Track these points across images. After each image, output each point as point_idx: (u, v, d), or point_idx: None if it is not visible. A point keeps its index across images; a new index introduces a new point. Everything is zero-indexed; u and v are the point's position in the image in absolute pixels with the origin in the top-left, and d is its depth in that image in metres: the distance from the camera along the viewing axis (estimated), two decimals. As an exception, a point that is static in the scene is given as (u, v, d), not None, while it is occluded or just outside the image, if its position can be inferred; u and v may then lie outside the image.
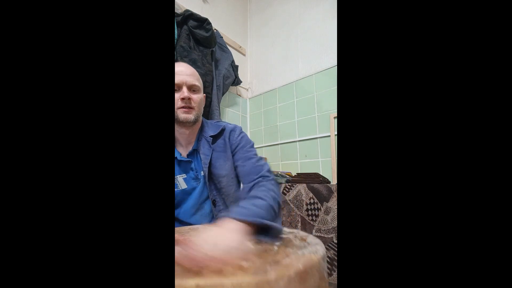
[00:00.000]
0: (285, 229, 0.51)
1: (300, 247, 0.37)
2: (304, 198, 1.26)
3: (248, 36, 2.35)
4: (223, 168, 0.70)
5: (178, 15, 1.49)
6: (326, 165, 1.61)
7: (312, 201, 1.23)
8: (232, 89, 2.04)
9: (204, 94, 0.74)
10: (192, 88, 0.67)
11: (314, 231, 1.18)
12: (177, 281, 0.25)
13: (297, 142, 1.81)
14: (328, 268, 1.11)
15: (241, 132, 0.76)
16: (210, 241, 0.35)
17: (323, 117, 1.69)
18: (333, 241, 1.12)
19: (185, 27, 1.49)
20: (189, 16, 1.50)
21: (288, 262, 0.31)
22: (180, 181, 0.70)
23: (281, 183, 1.39)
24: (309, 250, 0.35)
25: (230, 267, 0.29)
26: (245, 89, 2.21)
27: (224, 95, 1.84)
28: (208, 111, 1.60)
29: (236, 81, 1.90)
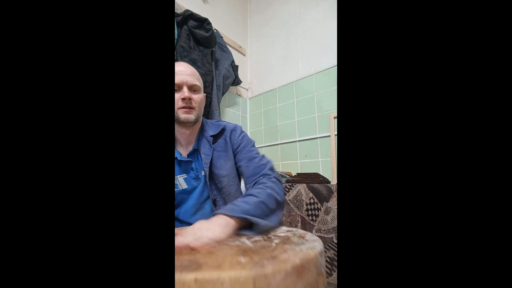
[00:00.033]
0: (284, 228, 0.51)
1: (298, 243, 0.38)
2: (304, 198, 1.26)
3: (248, 36, 2.35)
4: (224, 168, 0.70)
5: (178, 15, 1.49)
6: (326, 165, 1.61)
7: (312, 201, 1.23)
8: (232, 89, 2.04)
9: (205, 94, 0.74)
10: (192, 88, 0.66)
11: (314, 231, 1.18)
12: (176, 276, 0.25)
13: (297, 142, 1.81)
14: (328, 268, 1.11)
15: (242, 131, 0.76)
16: (193, 231, 0.41)
17: (323, 117, 1.69)
18: (333, 241, 1.12)
19: (185, 27, 1.49)
20: (189, 16, 1.50)
21: (286, 257, 0.31)
22: (181, 181, 0.70)
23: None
24: (307, 246, 0.36)
25: (228, 261, 0.29)
26: (245, 89, 2.21)
27: (224, 95, 1.84)
28: (208, 111, 1.60)
29: (236, 81, 1.90)
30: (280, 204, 0.58)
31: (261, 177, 0.64)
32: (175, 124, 0.67)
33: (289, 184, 1.34)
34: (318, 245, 0.37)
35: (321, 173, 1.47)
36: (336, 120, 1.61)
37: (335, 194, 1.16)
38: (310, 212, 1.22)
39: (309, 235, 0.44)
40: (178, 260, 0.30)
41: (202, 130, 0.73)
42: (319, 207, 1.20)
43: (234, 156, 0.73)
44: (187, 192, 0.70)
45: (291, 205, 1.29)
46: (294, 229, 0.50)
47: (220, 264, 0.29)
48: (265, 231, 0.47)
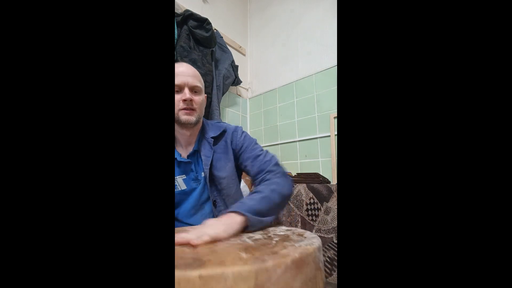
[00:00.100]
0: (283, 228, 0.53)
1: (297, 241, 0.39)
2: (304, 198, 1.26)
3: (248, 36, 2.35)
4: (224, 170, 0.70)
5: (178, 15, 1.48)
6: (326, 165, 1.61)
7: (312, 201, 1.23)
8: (232, 89, 2.04)
9: (205, 95, 0.74)
10: (194, 90, 0.66)
11: (314, 231, 1.18)
12: (181, 273, 0.26)
13: (297, 142, 1.81)
14: (328, 268, 1.11)
15: (243, 132, 0.76)
16: (198, 229, 0.42)
17: (323, 117, 1.69)
18: (333, 241, 1.12)
19: (185, 27, 1.49)
20: (189, 16, 1.50)
21: (286, 252, 0.32)
22: (180, 182, 0.69)
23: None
24: (306, 243, 0.37)
25: (230, 258, 0.31)
26: (245, 89, 2.21)
27: (224, 95, 1.84)
28: (208, 111, 1.60)
29: (236, 81, 1.90)
30: (287, 197, 0.62)
31: (266, 174, 0.65)
32: (176, 125, 0.67)
33: (289, 184, 1.34)
34: (316, 241, 0.38)
35: (321, 173, 1.47)
36: (336, 120, 1.61)
37: (335, 194, 1.16)
38: (310, 212, 1.22)
39: (307, 233, 0.45)
40: (182, 259, 0.31)
41: (202, 131, 0.73)
42: (319, 207, 1.20)
43: (239, 157, 0.72)
44: (186, 193, 0.70)
45: (291, 205, 1.29)
46: (293, 228, 0.52)
47: (223, 261, 0.30)
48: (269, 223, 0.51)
